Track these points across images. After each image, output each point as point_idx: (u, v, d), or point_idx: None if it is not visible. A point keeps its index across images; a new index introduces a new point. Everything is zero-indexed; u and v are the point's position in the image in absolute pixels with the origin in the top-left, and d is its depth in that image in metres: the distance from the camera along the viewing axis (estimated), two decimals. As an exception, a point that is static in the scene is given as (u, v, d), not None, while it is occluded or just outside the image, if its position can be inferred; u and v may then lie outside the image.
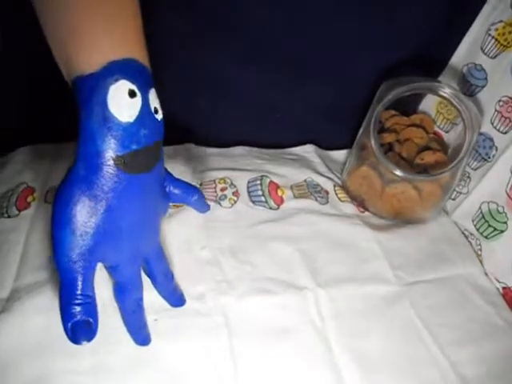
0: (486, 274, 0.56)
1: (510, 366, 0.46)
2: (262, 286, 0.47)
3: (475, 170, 0.61)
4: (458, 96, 0.53)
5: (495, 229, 0.56)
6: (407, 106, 0.67)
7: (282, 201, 0.58)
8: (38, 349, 0.40)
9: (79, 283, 0.31)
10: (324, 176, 0.63)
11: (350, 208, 0.59)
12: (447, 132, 0.66)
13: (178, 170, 0.60)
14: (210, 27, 0.53)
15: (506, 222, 0.55)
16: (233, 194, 0.57)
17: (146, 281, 0.40)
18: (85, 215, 0.31)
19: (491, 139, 0.59)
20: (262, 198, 0.57)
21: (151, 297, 0.43)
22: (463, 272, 0.55)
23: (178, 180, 0.40)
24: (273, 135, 0.68)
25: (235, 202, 0.56)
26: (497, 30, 0.60)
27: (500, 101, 0.59)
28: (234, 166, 0.61)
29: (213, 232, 0.52)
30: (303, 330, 0.45)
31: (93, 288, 0.32)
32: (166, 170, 0.38)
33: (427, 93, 0.61)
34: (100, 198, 0.31)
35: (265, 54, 0.57)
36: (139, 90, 0.31)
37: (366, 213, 0.60)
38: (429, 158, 0.58)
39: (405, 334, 0.47)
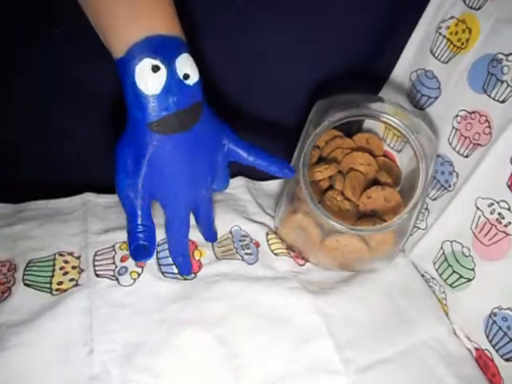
0: (455, 332, 0.46)
1: None
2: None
3: (434, 200, 0.50)
4: (407, 124, 0.42)
5: (461, 276, 0.46)
6: (349, 124, 0.56)
7: (199, 266, 0.46)
8: None
9: (139, 216, 0.38)
10: (255, 222, 0.51)
11: (285, 263, 0.48)
12: (399, 152, 0.55)
13: (69, 232, 0.48)
14: None
15: (473, 269, 0.45)
16: (136, 263, 0.45)
17: None
18: (133, 164, 0.37)
19: (450, 163, 0.49)
20: (174, 268, 0.45)
21: None
22: (427, 336, 0.44)
23: (239, 140, 0.42)
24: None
25: (139, 275, 0.44)
26: (448, 28, 0.49)
27: (457, 116, 0.48)
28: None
29: (103, 326, 0.40)
30: None
31: (151, 219, 0.39)
32: (228, 127, 0.42)
33: (367, 119, 0.50)
34: (142, 152, 0.37)
35: None
36: (163, 62, 0.34)
37: (307, 265, 0.49)
38: (377, 195, 0.47)
39: None
